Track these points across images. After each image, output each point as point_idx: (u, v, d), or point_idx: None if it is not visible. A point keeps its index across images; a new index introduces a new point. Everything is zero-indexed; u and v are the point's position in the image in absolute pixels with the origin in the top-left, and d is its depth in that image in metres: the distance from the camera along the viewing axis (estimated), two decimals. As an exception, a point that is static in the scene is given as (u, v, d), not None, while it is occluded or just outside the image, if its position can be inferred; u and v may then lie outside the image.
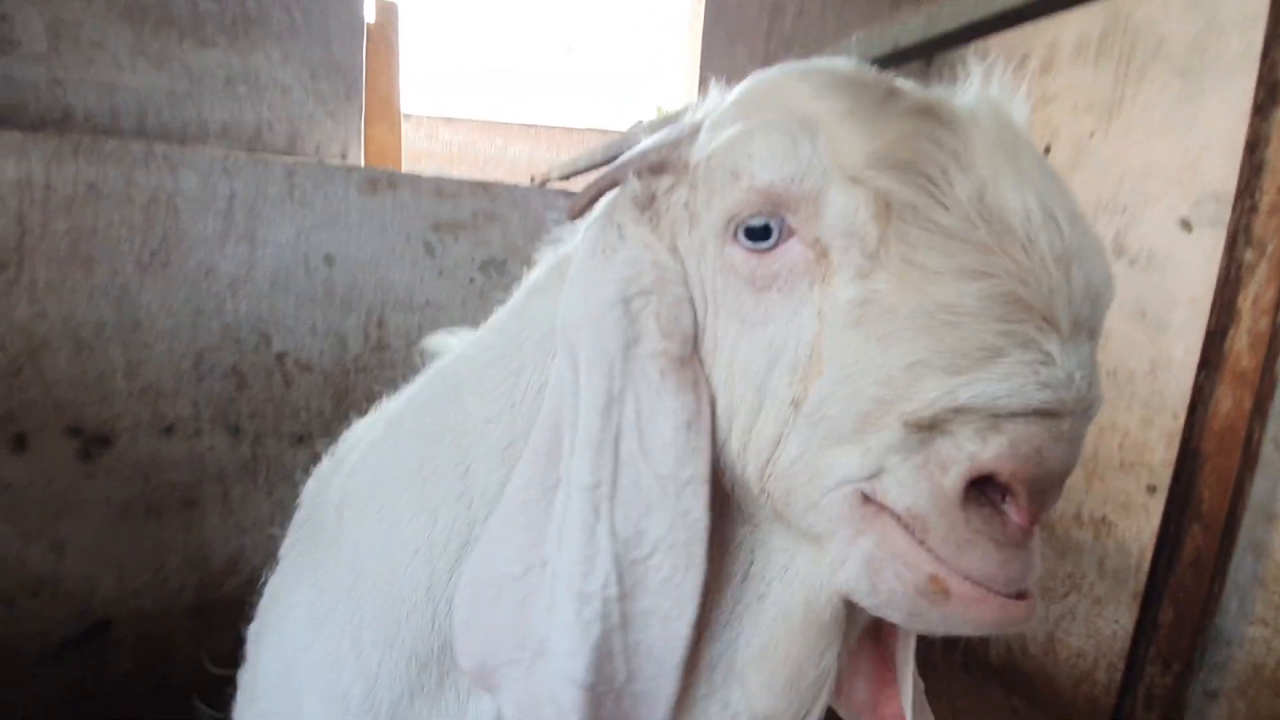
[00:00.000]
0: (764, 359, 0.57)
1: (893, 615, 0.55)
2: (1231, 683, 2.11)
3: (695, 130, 0.65)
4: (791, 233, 0.56)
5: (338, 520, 0.91)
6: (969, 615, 0.52)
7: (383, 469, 0.89)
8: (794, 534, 0.61)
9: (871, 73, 0.61)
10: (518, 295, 0.90)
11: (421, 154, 16.55)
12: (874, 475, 0.52)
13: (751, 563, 0.65)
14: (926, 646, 0.81)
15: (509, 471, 0.72)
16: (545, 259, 0.89)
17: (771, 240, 0.56)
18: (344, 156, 2.32)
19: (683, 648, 0.60)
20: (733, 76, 0.73)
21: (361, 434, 1.01)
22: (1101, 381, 0.51)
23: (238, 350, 2.16)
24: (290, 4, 2.18)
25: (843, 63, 0.64)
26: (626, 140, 2.44)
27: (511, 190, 2.45)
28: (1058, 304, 0.49)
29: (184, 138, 2.10)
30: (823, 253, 0.55)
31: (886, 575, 0.53)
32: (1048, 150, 2.71)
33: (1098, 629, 2.47)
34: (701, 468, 0.59)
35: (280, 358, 2.19)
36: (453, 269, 2.41)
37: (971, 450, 0.48)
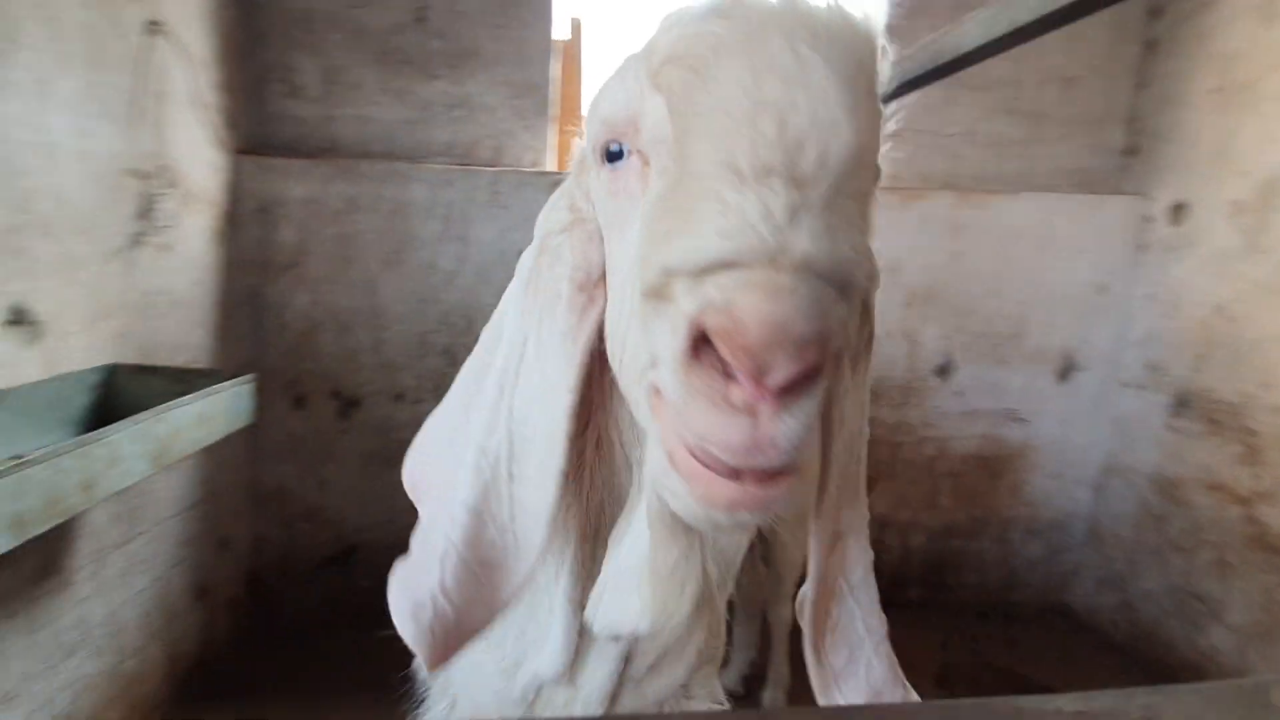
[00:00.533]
0: (614, 262, 0.64)
1: (670, 501, 0.53)
2: None
3: None
4: (629, 147, 0.61)
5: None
6: (699, 494, 0.48)
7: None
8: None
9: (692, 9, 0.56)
10: None
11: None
12: (653, 364, 0.51)
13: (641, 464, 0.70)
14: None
15: None
16: None
17: (623, 160, 0.62)
18: (535, 164, 2.63)
19: (548, 512, 0.71)
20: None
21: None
22: (836, 243, 0.45)
23: (450, 333, 2.57)
24: (497, 36, 2.52)
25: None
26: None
27: (681, 186, 2.61)
28: (752, 160, 0.46)
29: (416, 157, 2.54)
30: (646, 160, 0.59)
31: (656, 458, 0.51)
32: (1313, 105, 2.26)
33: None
34: (571, 378, 0.68)
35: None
36: (627, 261, 2.63)
37: (683, 308, 0.46)
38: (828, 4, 0.52)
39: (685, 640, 0.98)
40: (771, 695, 2.34)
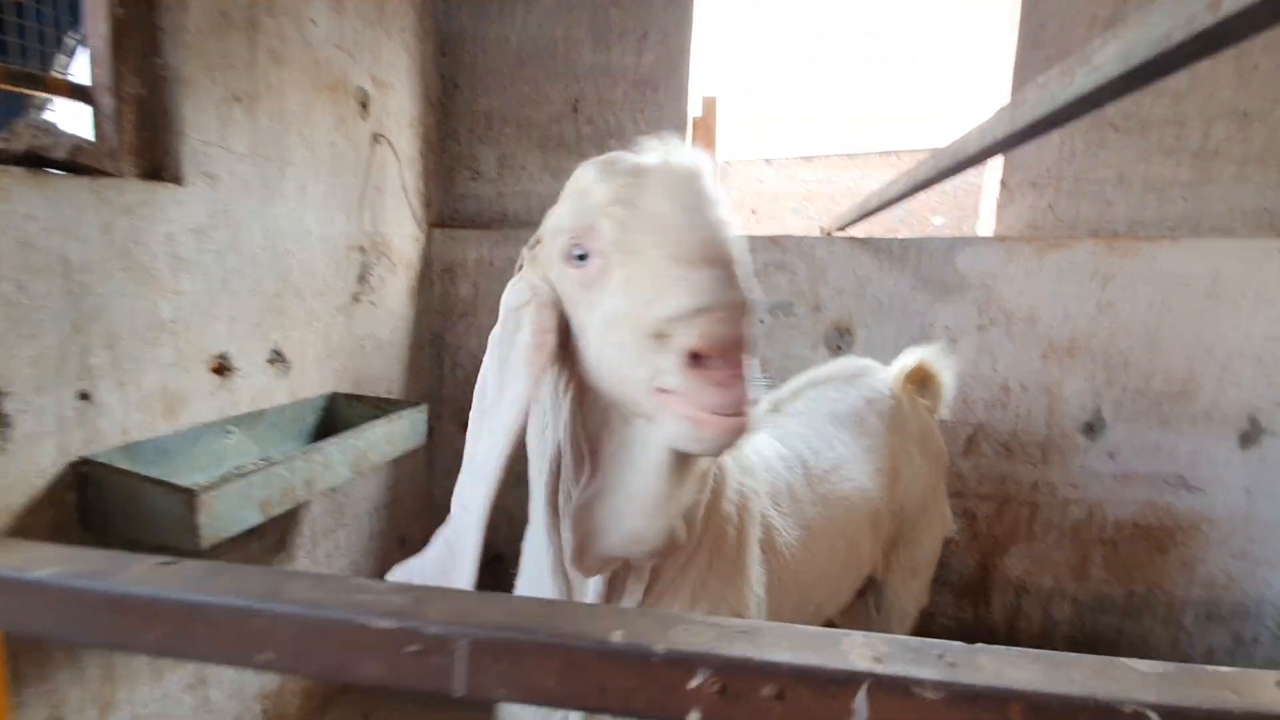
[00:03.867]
0: (598, 322, 0.92)
1: (690, 447, 0.87)
2: None
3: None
4: (591, 252, 0.91)
5: None
6: (714, 431, 0.82)
7: None
8: (641, 418, 0.94)
9: (617, 154, 0.96)
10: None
11: (781, 195, 17.61)
12: (655, 376, 0.85)
13: (623, 438, 1.01)
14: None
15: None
16: None
17: (586, 261, 0.92)
18: (669, 225, 2.95)
19: (493, 477, 1.07)
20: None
21: None
22: (744, 290, 0.81)
23: (589, 373, 2.94)
24: (638, 116, 2.91)
25: (608, 155, 0.98)
26: (915, 174, 2.54)
27: (799, 241, 2.77)
28: (694, 255, 0.81)
29: (566, 222, 2.99)
30: (604, 256, 0.89)
31: (679, 425, 0.84)
32: None
33: None
34: (523, 400, 1.00)
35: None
36: (747, 312, 2.83)
37: (680, 341, 0.80)
38: (687, 160, 0.91)
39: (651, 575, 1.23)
40: None
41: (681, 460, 0.98)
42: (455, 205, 3.07)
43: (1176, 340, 2.58)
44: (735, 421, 0.82)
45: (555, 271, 1.00)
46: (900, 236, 2.78)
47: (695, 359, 0.81)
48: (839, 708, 0.39)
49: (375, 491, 2.74)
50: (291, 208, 2.16)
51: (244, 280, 1.99)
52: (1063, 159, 2.69)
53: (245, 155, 1.98)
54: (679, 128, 2.88)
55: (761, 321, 2.82)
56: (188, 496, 1.50)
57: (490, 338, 1.12)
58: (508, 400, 1.04)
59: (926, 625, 2.91)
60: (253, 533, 2.14)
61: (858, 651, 0.41)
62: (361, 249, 2.51)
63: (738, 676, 0.40)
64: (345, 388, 2.49)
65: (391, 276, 2.71)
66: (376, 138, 2.55)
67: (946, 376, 2.04)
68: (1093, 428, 2.69)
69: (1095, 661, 0.41)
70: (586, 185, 0.93)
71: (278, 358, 2.16)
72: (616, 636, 0.42)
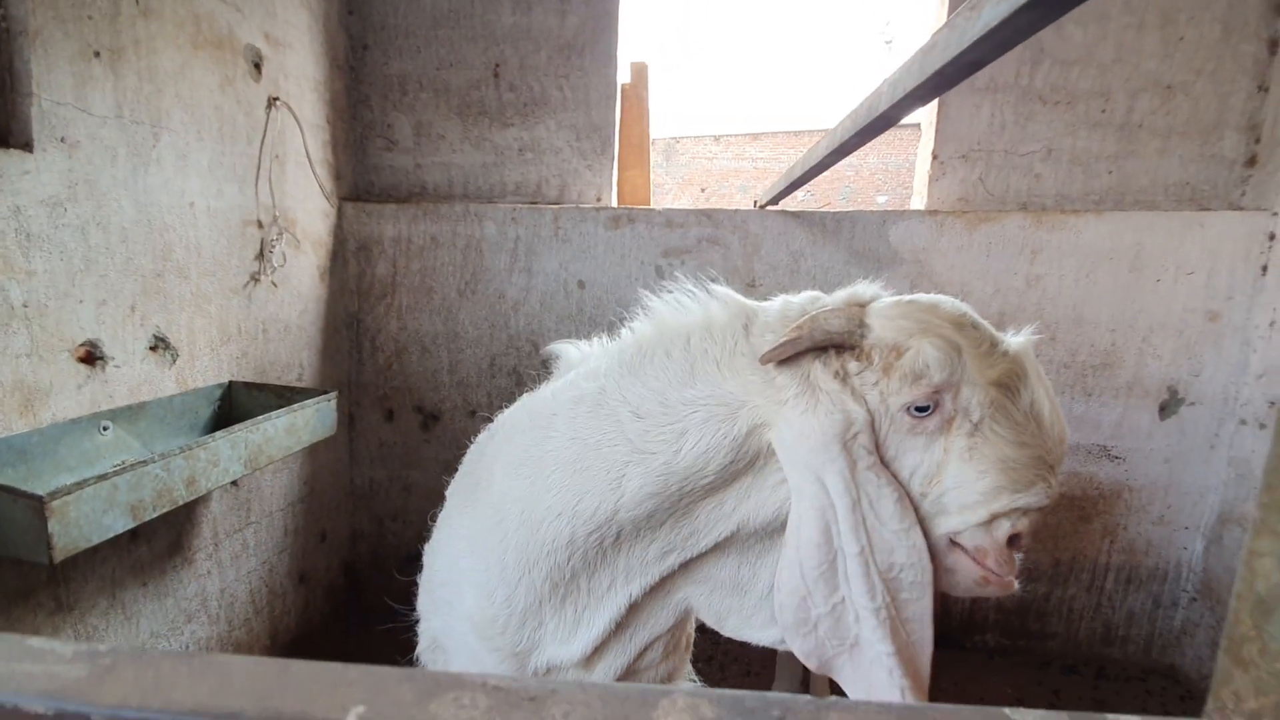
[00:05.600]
0: (909, 469, 1.02)
1: (972, 593, 1.07)
2: None
3: (862, 319, 1.05)
4: (939, 406, 1.00)
5: (489, 477, 1.28)
6: (996, 589, 1.03)
7: (535, 449, 1.23)
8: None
9: (973, 315, 1.05)
10: (662, 363, 1.17)
11: (730, 173, 17.56)
12: (959, 532, 1.01)
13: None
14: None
15: (658, 485, 1.10)
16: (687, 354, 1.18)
17: (929, 414, 1.00)
18: (599, 199, 2.82)
19: (931, 608, 1.03)
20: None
21: (509, 417, 1.38)
22: None
23: (517, 355, 2.81)
24: (563, 84, 2.75)
25: (952, 304, 1.06)
26: (816, 152, 2.47)
27: (732, 216, 2.68)
28: (1056, 461, 1.00)
29: (490, 197, 2.82)
30: (949, 419, 1.00)
31: (963, 574, 1.04)
32: None
33: None
34: (912, 518, 1.02)
35: (545, 363, 2.76)
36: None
37: (1012, 525, 1.00)
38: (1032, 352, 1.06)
39: (679, 634, 1.30)
40: None
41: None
42: (369, 177, 2.86)
43: (1101, 313, 2.61)
44: (1010, 583, 1.03)
45: (881, 402, 1.02)
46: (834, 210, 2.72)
47: (1013, 539, 1.01)
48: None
49: (288, 485, 2.56)
50: (170, 177, 1.95)
51: (113, 259, 1.79)
52: (993, 132, 2.67)
53: (109, 118, 1.77)
54: (607, 95, 2.75)
55: (695, 299, 2.73)
56: (35, 503, 1.33)
57: (813, 468, 1.04)
58: (898, 528, 1.04)
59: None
60: (137, 536, 1.96)
61: (675, 716, 0.31)
62: (259, 224, 2.31)
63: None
64: (247, 376, 2.30)
65: (297, 254, 2.51)
66: (273, 102, 2.34)
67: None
68: (1022, 401, 2.71)
69: (971, 713, 0.32)
70: (953, 339, 1.00)
71: (161, 344, 1.96)
72: (352, 717, 0.31)
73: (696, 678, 1.47)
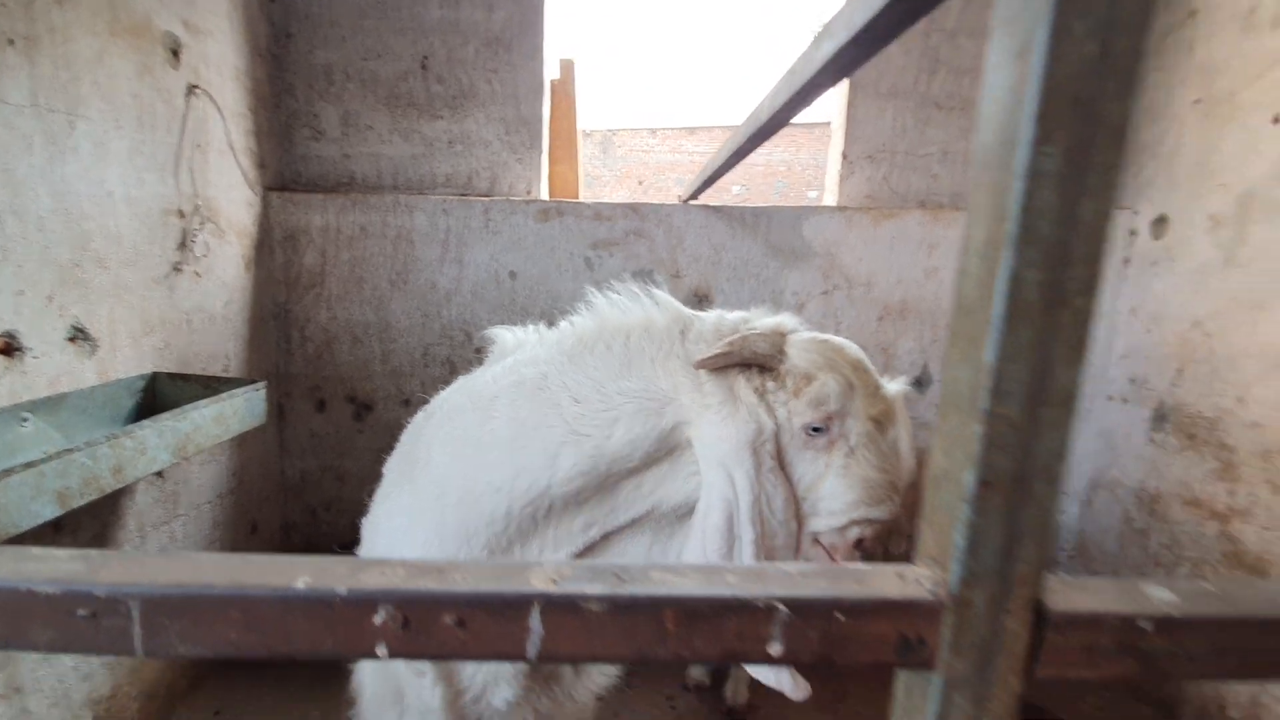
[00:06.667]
0: (798, 476, 1.21)
1: None
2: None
3: (783, 346, 1.24)
4: (829, 430, 1.19)
5: (428, 455, 1.37)
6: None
7: (476, 430, 1.33)
8: None
9: (866, 361, 1.26)
10: (602, 355, 1.30)
11: (666, 166, 17.73)
12: (821, 532, 1.21)
13: None
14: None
15: (589, 465, 1.23)
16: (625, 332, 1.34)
17: (821, 434, 1.19)
18: (529, 192, 2.90)
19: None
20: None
21: (448, 399, 1.47)
22: None
23: (450, 345, 2.87)
24: (491, 77, 2.81)
25: (854, 349, 1.26)
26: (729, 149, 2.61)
27: (657, 210, 2.82)
28: (903, 487, 1.21)
29: (420, 188, 2.86)
30: (834, 441, 1.19)
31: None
32: (1277, 120, 2.25)
33: (1317, 702, 2.01)
34: (794, 512, 1.21)
35: (478, 351, 2.83)
36: (608, 279, 2.82)
37: (861, 531, 1.21)
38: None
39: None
40: (733, 688, 2.50)
41: None
42: (296, 167, 2.85)
43: (990, 300, 2.88)
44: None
45: (786, 419, 1.19)
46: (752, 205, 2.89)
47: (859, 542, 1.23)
48: (516, 628, 0.41)
49: (217, 477, 2.55)
50: (88, 166, 1.93)
51: (30, 248, 1.77)
52: (895, 135, 2.89)
53: (24, 106, 1.74)
54: (535, 90, 2.82)
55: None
56: (-45, 491, 1.33)
57: (726, 464, 1.18)
58: (783, 520, 1.21)
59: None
60: (61, 529, 1.94)
61: (538, 577, 0.43)
62: (181, 213, 2.29)
63: (419, 610, 0.41)
64: (170, 366, 2.29)
65: (221, 244, 2.49)
66: (193, 89, 2.31)
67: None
68: (921, 382, 2.96)
69: (750, 567, 0.45)
70: (850, 378, 1.19)
71: (80, 335, 1.94)
72: (300, 583, 0.42)
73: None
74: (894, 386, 1.27)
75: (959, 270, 0.42)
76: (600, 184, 17.92)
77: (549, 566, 0.44)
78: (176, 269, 2.28)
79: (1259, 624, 0.42)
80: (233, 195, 2.54)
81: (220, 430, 2.05)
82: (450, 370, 2.87)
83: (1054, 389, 0.38)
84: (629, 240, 2.82)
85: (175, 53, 2.24)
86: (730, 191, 17.73)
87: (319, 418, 2.92)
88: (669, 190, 16.99)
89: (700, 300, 2.89)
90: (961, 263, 0.42)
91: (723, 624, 0.41)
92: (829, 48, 0.71)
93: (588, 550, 1.31)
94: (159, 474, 2.22)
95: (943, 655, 0.42)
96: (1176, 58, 2.68)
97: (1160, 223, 2.71)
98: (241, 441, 2.63)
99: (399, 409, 2.91)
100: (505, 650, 0.41)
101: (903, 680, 0.46)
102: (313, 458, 2.94)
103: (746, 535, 1.16)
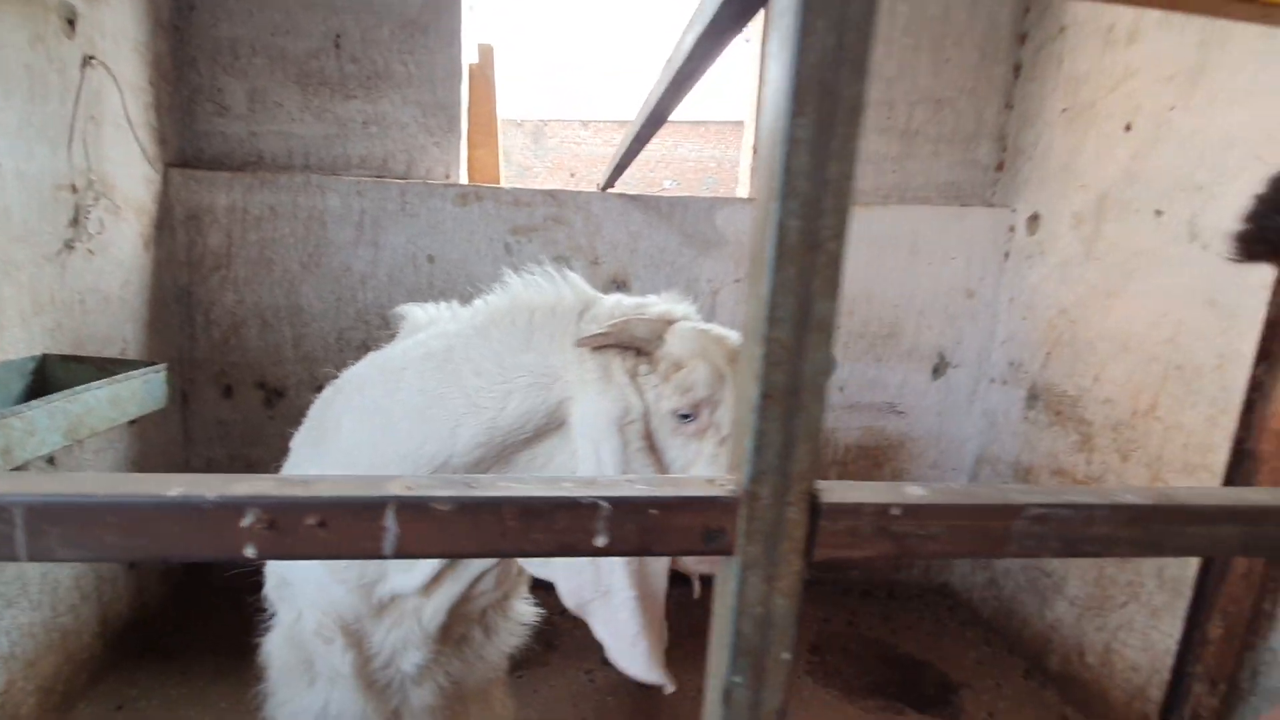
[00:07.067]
0: (670, 460, 1.21)
1: (682, 566, 1.28)
2: None
3: (663, 333, 1.24)
4: (698, 417, 1.19)
5: (337, 425, 1.39)
6: (707, 568, 1.24)
7: (385, 400, 1.35)
8: None
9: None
10: (507, 330, 1.33)
11: (599, 158, 17.75)
12: None
13: None
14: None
15: (485, 437, 1.25)
16: (510, 308, 1.37)
17: (689, 420, 1.20)
18: (447, 176, 2.90)
19: (667, 563, 1.24)
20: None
21: (357, 371, 1.49)
22: None
23: (366, 329, 2.84)
24: (407, 59, 2.80)
25: (736, 340, 1.23)
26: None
27: (575, 197, 2.88)
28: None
29: (333, 170, 2.81)
30: (704, 428, 1.20)
31: None
32: (1129, 128, 2.52)
33: (1153, 642, 2.29)
34: None
35: (394, 335, 2.82)
36: (527, 265, 2.88)
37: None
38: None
39: (508, 566, 1.47)
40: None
41: None
42: (200, 144, 2.75)
43: (887, 291, 3.09)
44: (716, 566, 1.34)
45: (655, 402, 1.20)
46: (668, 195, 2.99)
47: None
48: (374, 528, 0.47)
49: (114, 465, 2.44)
50: (-37, 134, 1.82)
51: (-105, 218, 1.66)
52: (803, 130, 3.05)
53: (-115, 65, 1.63)
54: (452, 74, 2.83)
55: (542, 274, 2.90)
56: None
57: (594, 438, 1.20)
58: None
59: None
60: (-66, 518, 1.83)
61: (393, 485, 0.49)
62: (74, 188, 2.18)
63: (284, 513, 0.47)
64: (63, 349, 2.18)
65: (117, 221, 2.38)
66: (88, 61, 2.21)
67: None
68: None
69: (582, 478, 0.53)
70: (722, 368, 1.19)
71: (-44, 313, 1.83)
72: (173, 491, 0.46)
73: (532, 599, 1.66)
74: None
75: (752, 224, 0.51)
76: (532, 175, 17.75)
77: (405, 478, 0.51)
78: (69, 246, 2.18)
79: (982, 509, 0.53)
80: (130, 171, 2.44)
81: (116, 413, 1.98)
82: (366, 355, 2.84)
83: (815, 317, 0.47)
84: (548, 226, 2.87)
85: (70, 22, 2.13)
86: (662, 185, 17.93)
87: (226, 404, 2.83)
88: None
89: (618, 286, 2.97)
90: (754, 218, 0.51)
91: (555, 520, 0.49)
92: (690, 38, 0.80)
93: None
94: (50, 459, 2.12)
95: (739, 542, 0.51)
96: (1049, 69, 2.94)
97: (1034, 220, 2.98)
98: (142, 429, 2.53)
99: (312, 395, 2.82)
100: (364, 548, 0.48)
101: (719, 569, 0.55)
102: (220, 446, 2.85)
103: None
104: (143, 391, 2.07)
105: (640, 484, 0.51)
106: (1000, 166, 3.17)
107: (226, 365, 2.81)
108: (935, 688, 2.70)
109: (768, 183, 0.47)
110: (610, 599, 1.22)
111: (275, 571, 1.55)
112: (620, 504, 0.49)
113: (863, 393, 3.17)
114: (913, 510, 0.52)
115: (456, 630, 1.49)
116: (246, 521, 0.46)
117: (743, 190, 3.19)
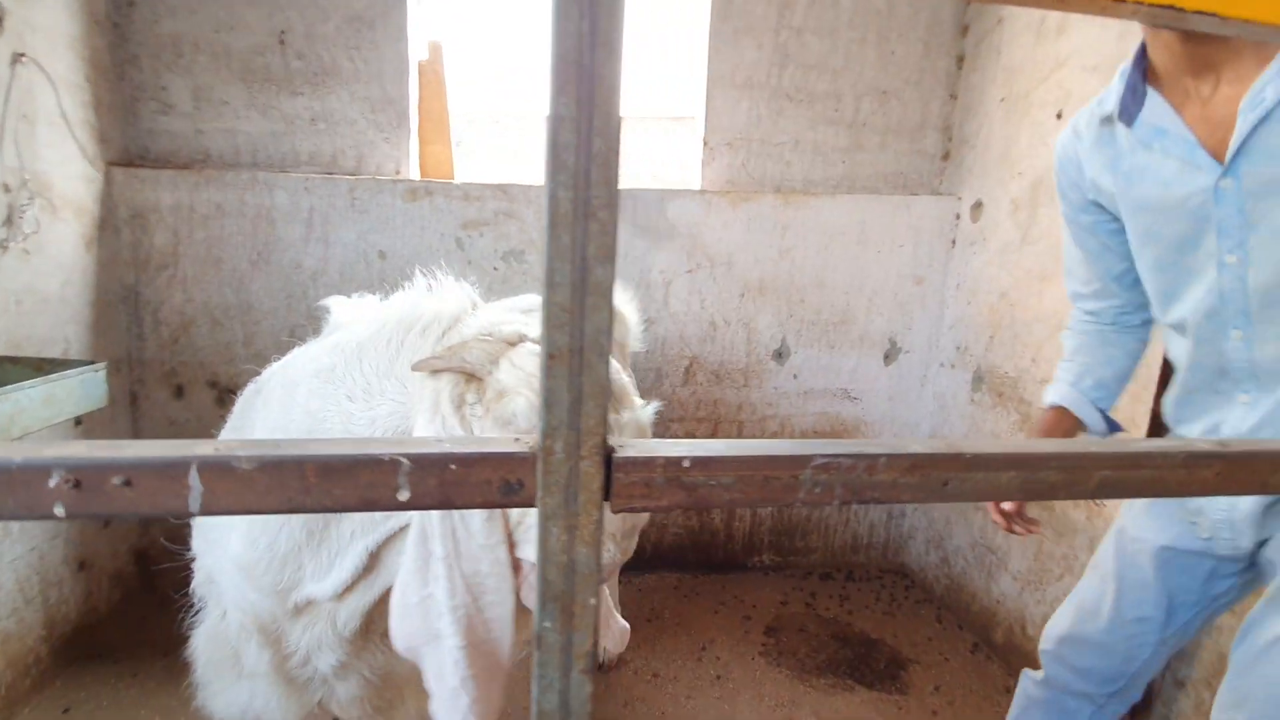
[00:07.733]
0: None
1: (529, 605, 1.15)
2: (1200, 673, 1.98)
3: (499, 355, 1.13)
4: None
5: (252, 433, 1.41)
6: None
7: (283, 416, 1.38)
8: None
9: None
10: (381, 350, 1.32)
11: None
12: (532, 561, 1.15)
13: None
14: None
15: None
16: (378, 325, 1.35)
17: None
18: (398, 172, 2.91)
19: (511, 613, 1.14)
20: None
21: (275, 374, 1.51)
22: None
23: (317, 326, 2.84)
24: (354, 55, 2.80)
25: None
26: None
27: (526, 190, 2.90)
28: (616, 528, 1.13)
29: (282, 167, 2.81)
30: None
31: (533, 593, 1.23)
32: (1060, 116, 2.58)
33: (1086, 614, 2.37)
34: (500, 536, 1.13)
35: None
36: (479, 260, 2.92)
37: None
38: None
39: None
40: (600, 649, 2.64)
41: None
42: (143, 142, 2.74)
43: (838, 279, 3.14)
44: None
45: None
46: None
47: None
48: (179, 485, 0.50)
49: (59, 466, 2.43)
50: (-115, 133, 1.81)
51: None
52: (751, 124, 3.09)
53: None
54: (401, 70, 2.83)
55: (495, 269, 2.92)
56: None
57: None
58: (486, 543, 1.15)
59: (659, 535, 3.30)
60: None
61: (202, 447, 0.52)
62: (6, 187, 2.17)
63: (89, 473, 0.49)
64: (-1, 349, 2.17)
65: (54, 221, 2.37)
66: (18, 57, 2.19)
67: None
68: (780, 354, 3.19)
69: (388, 439, 0.56)
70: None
71: (-116, 313, 1.82)
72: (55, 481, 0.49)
73: None
74: (644, 409, 1.16)
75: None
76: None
77: (215, 441, 0.53)
78: (2, 246, 2.16)
79: (770, 459, 0.56)
80: (68, 170, 2.42)
81: (50, 412, 1.98)
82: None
83: (593, 282, 0.51)
84: (499, 220, 2.89)
85: (-6, 17, 2.11)
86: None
87: (177, 404, 2.83)
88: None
89: (570, 279, 2.99)
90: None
91: (356, 476, 0.52)
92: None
93: (392, 539, 1.30)
94: (-14, 461, 2.10)
95: (538, 494, 0.54)
96: (988, 60, 3.00)
97: (977, 207, 3.04)
98: (88, 430, 2.52)
99: (265, 392, 2.85)
100: (171, 506, 0.50)
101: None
102: (172, 444, 2.84)
103: (438, 552, 1.11)
104: (79, 390, 2.06)
105: (443, 443, 0.55)
106: (946, 156, 3.23)
107: (177, 365, 2.80)
108: (886, 664, 2.76)
109: (547, 158, 0.51)
110: (439, 644, 1.15)
111: (203, 567, 1.56)
112: (421, 460, 0.52)
113: (816, 379, 3.23)
114: (703, 462, 0.55)
115: (378, 628, 1.46)
116: (53, 482, 0.49)
117: (693, 182, 3.23)
